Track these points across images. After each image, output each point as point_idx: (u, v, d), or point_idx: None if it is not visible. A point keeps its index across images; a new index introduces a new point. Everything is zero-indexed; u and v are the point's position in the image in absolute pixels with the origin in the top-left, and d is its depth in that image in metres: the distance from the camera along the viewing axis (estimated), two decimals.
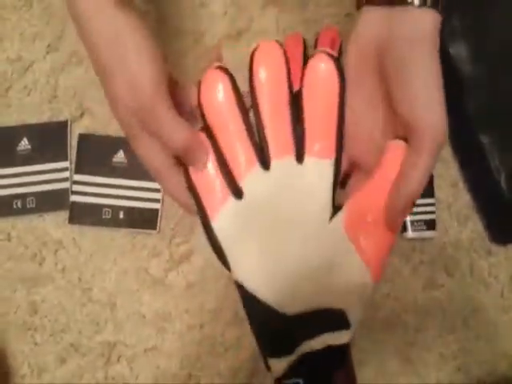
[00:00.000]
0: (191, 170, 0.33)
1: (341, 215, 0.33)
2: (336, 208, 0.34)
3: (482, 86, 0.48)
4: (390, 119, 0.33)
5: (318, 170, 0.34)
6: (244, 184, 0.33)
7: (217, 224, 0.33)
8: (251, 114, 0.34)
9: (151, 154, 0.33)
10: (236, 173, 0.33)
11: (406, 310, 0.49)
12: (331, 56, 0.33)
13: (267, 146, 0.33)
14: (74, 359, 0.47)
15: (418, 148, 0.30)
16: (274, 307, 0.33)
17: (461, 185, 0.51)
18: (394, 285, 0.49)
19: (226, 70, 0.33)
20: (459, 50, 0.48)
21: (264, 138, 0.33)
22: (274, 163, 0.33)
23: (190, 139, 0.32)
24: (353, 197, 0.33)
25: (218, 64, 0.33)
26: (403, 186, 0.30)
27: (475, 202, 0.50)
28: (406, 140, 0.31)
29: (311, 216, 0.34)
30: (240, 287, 0.33)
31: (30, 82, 0.50)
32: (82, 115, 0.50)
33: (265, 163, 0.33)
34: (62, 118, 0.49)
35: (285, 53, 0.34)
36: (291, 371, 0.33)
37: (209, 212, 0.33)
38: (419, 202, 0.49)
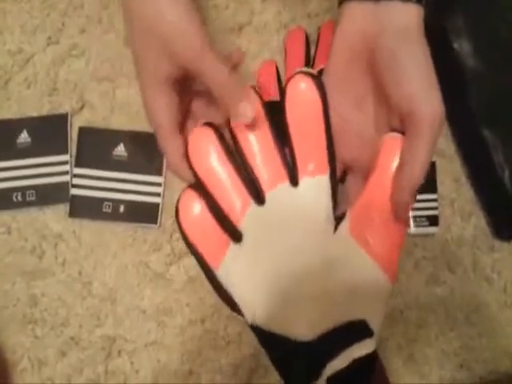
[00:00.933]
0: (187, 227, 0.33)
1: (345, 224, 0.33)
2: (339, 218, 0.33)
3: (485, 82, 0.48)
4: (381, 115, 0.33)
5: (315, 187, 0.33)
6: (242, 226, 0.33)
7: (220, 273, 0.33)
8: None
9: (164, 110, 0.34)
10: (233, 217, 0.33)
11: (408, 307, 0.49)
12: (310, 74, 0.33)
13: (258, 182, 0.33)
14: (75, 353, 0.47)
15: (417, 135, 0.30)
16: (295, 339, 0.32)
17: (464, 180, 0.50)
18: (395, 281, 0.49)
19: (214, 127, 0.33)
20: (463, 46, 0.48)
21: (253, 174, 0.33)
22: (268, 195, 0.33)
23: (231, 81, 0.33)
24: (354, 202, 0.33)
25: (204, 120, 0.34)
26: (407, 175, 0.30)
27: (478, 197, 0.50)
28: (400, 133, 0.31)
29: (315, 235, 0.33)
30: (256, 329, 0.33)
31: (31, 74, 0.50)
32: (82, 108, 0.49)
33: (259, 198, 0.33)
34: (62, 111, 0.49)
35: (260, 97, 0.34)
36: None
37: (211, 264, 0.33)
38: (421, 197, 0.49)
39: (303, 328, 0.32)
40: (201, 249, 0.33)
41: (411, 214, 0.48)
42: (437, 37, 0.49)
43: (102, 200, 0.48)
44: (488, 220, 0.50)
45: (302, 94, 0.33)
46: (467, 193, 0.50)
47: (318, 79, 0.33)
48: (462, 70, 0.48)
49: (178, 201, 0.33)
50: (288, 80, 0.34)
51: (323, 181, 0.33)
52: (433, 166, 0.49)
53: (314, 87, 0.33)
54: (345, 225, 0.33)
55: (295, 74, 0.34)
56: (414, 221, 0.48)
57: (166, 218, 0.48)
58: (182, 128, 0.36)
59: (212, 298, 0.48)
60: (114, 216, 0.48)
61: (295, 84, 0.33)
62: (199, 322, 0.47)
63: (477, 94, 0.48)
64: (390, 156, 0.32)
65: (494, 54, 0.48)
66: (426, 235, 0.49)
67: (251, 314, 0.33)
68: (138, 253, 0.48)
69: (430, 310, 0.49)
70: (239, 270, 0.33)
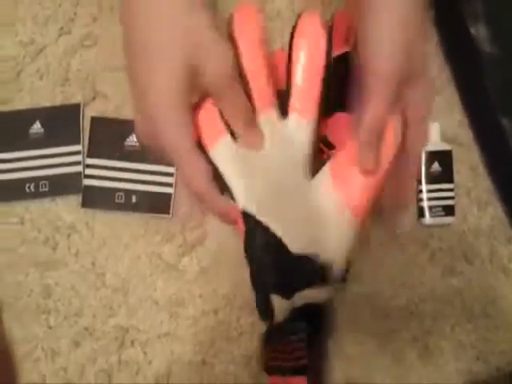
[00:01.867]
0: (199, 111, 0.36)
1: (328, 164, 0.36)
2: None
3: (503, 69, 0.47)
4: None
5: (298, 125, 0.37)
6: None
7: (214, 151, 0.36)
8: None
9: (186, 128, 0.33)
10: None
11: (423, 300, 0.48)
12: (316, 16, 0.37)
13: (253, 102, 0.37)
14: (88, 343, 0.47)
15: (369, 84, 0.32)
16: (283, 241, 0.33)
17: (481, 169, 0.49)
18: (410, 273, 0.48)
19: None
20: (480, 31, 0.47)
21: (250, 95, 0.37)
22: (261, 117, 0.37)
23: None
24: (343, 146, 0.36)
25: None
26: (364, 121, 0.33)
27: (496, 187, 0.49)
28: None
29: (292, 166, 0.36)
30: (247, 216, 0.34)
31: (43, 65, 0.50)
32: (94, 98, 0.49)
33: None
34: (74, 101, 0.49)
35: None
36: (293, 315, 0.34)
37: (207, 142, 0.36)
38: (437, 187, 0.48)
39: (297, 238, 0.34)
40: (202, 128, 0.36)
41: (427, 203, 0.48)
42: (454, 22, 0.48)
43: (115, 190, 0.48)
44: (505, 210, 0.49)
45: (307, 35, 0.36)
46: (484, 182, 0.49)
47: (325, 24, 0.37)
48: (478, 55, 0.47)
49: None
50: (297, 20, 0.37)
51: (305, 124, 0.36)
52: (449, 154, 0.48)
53: (320, 28, 0.36)
54: (327, 165, 0.36)
55: (304, 15, 0.37)
56: (430, 210, 0.47)
57: (179, 209, 0.48)
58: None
59: (225, 288, 0.47)
60: (127, 206, 0.47)
61: (302, 24, 0.37)
62: (212, 313, 0.47)
63: (494, 81, 0.47)
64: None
65: (511, 41, 0.47)
66: (442, 225, 0.48)
67: (250, 206, 0.35)
68: (150, 244, 0.48)
69: (446, 302, 0.48)
70: (233, 157, 0.36)
